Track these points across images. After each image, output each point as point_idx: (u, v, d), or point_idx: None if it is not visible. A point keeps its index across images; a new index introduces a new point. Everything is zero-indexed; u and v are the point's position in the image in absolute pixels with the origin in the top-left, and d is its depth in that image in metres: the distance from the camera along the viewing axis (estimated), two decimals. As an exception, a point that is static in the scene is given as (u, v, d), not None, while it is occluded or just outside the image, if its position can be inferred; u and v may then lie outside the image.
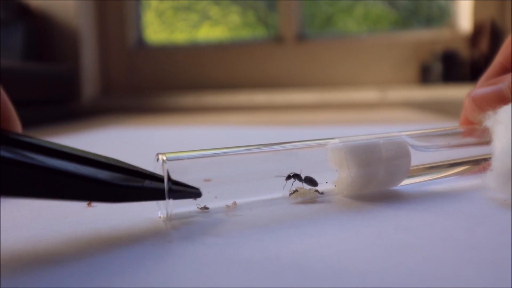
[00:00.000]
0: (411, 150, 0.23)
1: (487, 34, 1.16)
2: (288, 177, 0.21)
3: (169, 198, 0.19)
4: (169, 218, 0.19)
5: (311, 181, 0.22)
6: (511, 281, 0.13)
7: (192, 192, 0.19)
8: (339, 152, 0.22)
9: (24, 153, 0.16)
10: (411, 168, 0.23)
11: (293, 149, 0.22)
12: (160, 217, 0.21)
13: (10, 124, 0.18)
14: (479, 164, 0.25)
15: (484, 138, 0.23)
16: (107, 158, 0.19)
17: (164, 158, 0.19)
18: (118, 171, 0.18)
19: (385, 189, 0.24)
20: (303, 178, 0.22)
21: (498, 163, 0.20)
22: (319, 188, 0.22)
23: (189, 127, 0.75)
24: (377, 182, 0.22)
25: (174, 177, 0.19)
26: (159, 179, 0.19)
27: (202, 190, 0.20)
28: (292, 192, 0.22)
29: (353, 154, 0.22)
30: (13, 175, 0.15)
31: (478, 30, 1.19)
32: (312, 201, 0.22)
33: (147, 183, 0.18)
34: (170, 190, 0.18)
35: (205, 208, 0.20)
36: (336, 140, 0.22)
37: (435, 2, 1.33)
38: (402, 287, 0.13)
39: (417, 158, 0.24)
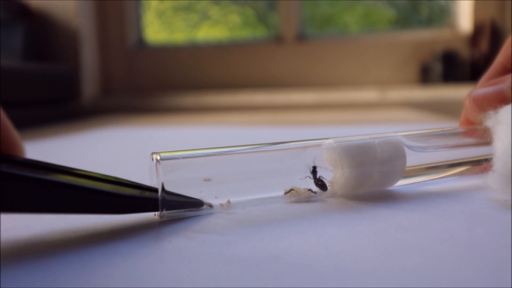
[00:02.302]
0: (407, 150, 0.23)
1: (487, 34, 1.16)
2: (314, 171, 0.22)
3: (163, 203, 0.19)
4: (163, 216, 0.20)
5: (322, 186, 0.22)
6: (511, 281, 0.13)
7: (188, 202, 0.20)
8: (333, 152, 0.22)
9: (33, 171, 0.16)
10: (409, 169, 0.23)
11: (289, 149, 0.22)
12: (155, 215, 0.21)
13: (15, 150, 0.19)
14: (479, 164, 0.25)
15: (484, 138, 0.23)
16: (105, 175, 0.19)
17: (158, 157, 0.19)
18: (115, 184, 0.19)
19: (380, 190, 0.24)
20: (317, 177, 0.22)
21: (500, 164, 0.20)
22: (313, 187, 0.22)
23: (189, 127, 0.75)
24: (372, 183, 0.22)
25: (171, 176, 0.19)
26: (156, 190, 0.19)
27: (199, 189, 0.20)
28: (288, 191, 0.22)
29: (347, 154, 0.22)
30: (24, 191, 0.15)
31: (478, 30, 1.19)
32: (307, 200, 0.23)
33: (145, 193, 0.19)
34: (163, 199, 0.19)
35: (229, 202, 0.21)
36: (331, 140, 0.22)
37: (435, 2, 1.33)
38: (402, 287, 0.13)
39: (416, 159, 0.24)
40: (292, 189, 0.22)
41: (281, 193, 0.22)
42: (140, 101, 1.27)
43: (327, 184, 0.22)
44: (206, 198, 0.21)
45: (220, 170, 0.21)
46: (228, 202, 0.21)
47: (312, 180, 0.22)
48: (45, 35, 1.26)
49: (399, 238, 0.17)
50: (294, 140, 0.22)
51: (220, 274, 0.14)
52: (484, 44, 1.16)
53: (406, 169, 0.23)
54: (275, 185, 0.22)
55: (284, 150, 0.22)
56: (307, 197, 0.22)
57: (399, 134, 0.24)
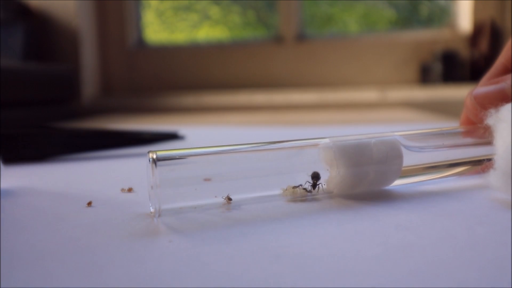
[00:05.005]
0: (404, 150, 0.23)
1: (487, 34, 1.16)
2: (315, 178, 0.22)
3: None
4: (159, 213, 0.20)
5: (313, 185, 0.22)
6: (511, 281, 0.13)
7: None
8: (329, 151, 0.22)
9: None
10: (407, 168, 0.23)
11: (286, 148, 0.22)
12: (151, 212, 0.21)
13: None
14: (479, 164, 0.25)
15: (484, 138, 0.23)
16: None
17: (154, 156, 0.19)
18: None
19: (377, 189, 0.24)
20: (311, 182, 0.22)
21: (502, 162, 0.20)
22: (308, 187, 0.22)
23: (189, 127, 0.75)
24: (368, 182, 0.22)
25: (167, 174, 0.19)
26: None
27: (197, 188, 0.20)
28: (285, 189, 0.22)
29: (342, 154, 0.22)
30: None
31: (478, 30, 1.19)
32: (304, 199, 0.23)
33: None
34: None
35: (229, 199, 0.21)
36: (327, 140, 0.22)
37: (435, 2, 1.33)
38: (402, 287, 0.13)
39: (414, 159, 0.24)
40: (289, 188, 0.22)
41: (278, 191, 0.22)
42: (140, 101, 1.27)
43: (312, 189, 0.22)
44: (204, 198, 0.21)
45: (217, 169, 0.21)
46: (228, 200, 0.21)
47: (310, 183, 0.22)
48: (45, 35, 1.26)
49: (399, 238, 0.17)
50: (292, 140, 0.22)
51: (220, 274, 0.14)
52: (484, 44, 1.16)
53: (404, 168, 0.23)
54: (272, 184, 0.22)
55: (281, 149, 0.22)
56: (303, 196, 0.23)
57: (396, 134, 0.23)
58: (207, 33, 1.43)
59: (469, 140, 0.26)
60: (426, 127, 0.26)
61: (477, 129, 0.25)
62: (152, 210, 0.21)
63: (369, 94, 1.15)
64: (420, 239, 0.17)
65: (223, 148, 0.21)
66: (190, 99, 1.22)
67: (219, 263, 0.15)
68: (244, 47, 1.36)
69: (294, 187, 0.22)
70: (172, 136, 0.47)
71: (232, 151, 0.21)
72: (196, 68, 1.37)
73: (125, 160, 0.39)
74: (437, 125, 0.52)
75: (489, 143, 0.22)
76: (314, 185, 0.22)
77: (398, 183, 0.24)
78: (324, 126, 0.70)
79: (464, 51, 1.21)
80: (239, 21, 1.41)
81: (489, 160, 0.21)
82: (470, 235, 0.17)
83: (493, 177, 0.21)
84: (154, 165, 0.19)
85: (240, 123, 0.82)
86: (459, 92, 0.99)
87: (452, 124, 0.35)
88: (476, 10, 1.20)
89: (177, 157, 0.20)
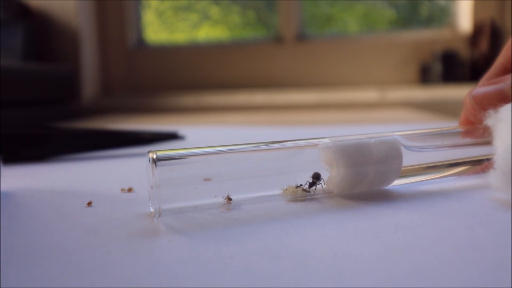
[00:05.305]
0: (404, 150, 0.23)
1: (487, 34, 1.16)
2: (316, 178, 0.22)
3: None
4: (159, 213, 0.20)
5: (310, 184, 0.22)
6: (511, 281, 0.13)
7: None
8: (329, 151, 0.22)
9: None
10: (407, 168, 0.23)
11: (286, 148, 0.22)
12: (151, 212, 0.21)
13: None
14: (479, 164, 0.25)
15: (484, 138, 0.23)
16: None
17: (154, 156, 0.19)
18: None
19: (377, 189, 0.24)
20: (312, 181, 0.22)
21: (501, 162, 0.20)
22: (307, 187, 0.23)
23: (189, 127, 0.75)
24: (367, 182, 0.22)
25: (167, 174, 0.19)
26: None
27: (197, 188, 0.20)
28: (285, 189, 0.22)
29: (342, 153, 0.22)
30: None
31: (478, 30, 1.19)
32: (304, 199, 0.23)
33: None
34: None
35: (229, 199, 0.21)
36: (327, 140, 0.22)
37: (435, 2, 1.33)
38: (402, 287, 0.13)
39: (413, 158, 0.24)
40: (289, 188, 0.22)
41: (278, 191, 0.22)
42: (140, 101, 1.27)
43: (309, 188, 0.22)
44: (204, 197, 0.21)
45: (217, 168, 0.21)
46: (228, 200, 0.21)
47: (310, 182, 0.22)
48: (45, 35, 1.26)
49: (398, 238, 0.17)
50: (292, 140, 0.22)
51: (220, 274, 0.14)
52: (483, 44, 1.16)
53: (404, 168, 0.23)
54: (272, 184, 0.22)
55: (281, 149, 0.22)
56: (303, 196, 0.23)
57: (396, 133, 0.24)
58: (207, 33, 1.43)
59: (469, 140, 0.26)
60: (426, 127, 0.26)
61: (477, 129, 0.25)
62: (152, 210, 0.21)
63: (369, 94, 1.15)
64: (420, 239, 0.17)
65: (223, 148, 0.21)
66: (190, 99, 1.22)
67: (219, 263, 0.15)
68: (244, 47, 1.35)
69: (296, 187, 0.22)
70: (172, 136, 0.47)
71: (232, 151, 0.21)
72: (196, 68, 1.36)
73: (125, 160, 0.39)
74: (437, 125, 0.52)
75: (488, 143, 0.22)
76: (311, 185, 0.22)
77: (398, 183, 0.24)
78: (324, 126, 0.70)
79: (464, 51, 1.21)
80: (239, 21, 1.41)
81: (489, 160, 0.21)
82: (470, 235, 0.17)
83: (493, 177, 0.21)
84: (154, 165, 0.19)
85: (240, 123, 0.82)
86: (459, 92, 0.99)
87: (452, 124, 0.35)
88: (476, 10, 1.20)
89: (177, 157, 0.20)
